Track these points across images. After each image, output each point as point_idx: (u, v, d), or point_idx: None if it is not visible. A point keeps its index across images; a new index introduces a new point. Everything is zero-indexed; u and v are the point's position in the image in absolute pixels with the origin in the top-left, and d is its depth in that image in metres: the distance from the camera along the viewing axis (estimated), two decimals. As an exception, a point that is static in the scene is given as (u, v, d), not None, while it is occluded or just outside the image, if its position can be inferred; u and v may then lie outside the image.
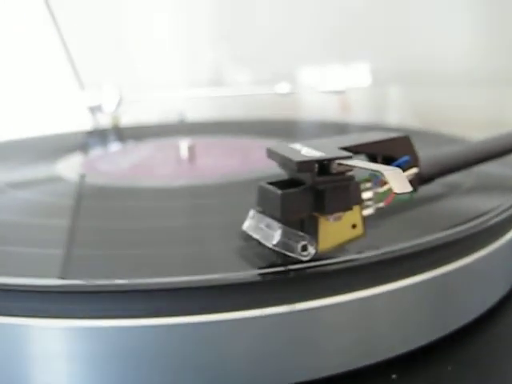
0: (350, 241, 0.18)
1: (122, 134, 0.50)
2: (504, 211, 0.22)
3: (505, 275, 0.23)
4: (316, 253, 0.17)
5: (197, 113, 0.58)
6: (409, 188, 0.15)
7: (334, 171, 0.17)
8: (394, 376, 0.19)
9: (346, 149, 0.18)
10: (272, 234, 0.17)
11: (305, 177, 0.17)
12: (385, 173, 0.15)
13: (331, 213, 0.17)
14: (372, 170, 0.16)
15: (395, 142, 0.20)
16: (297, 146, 0.18)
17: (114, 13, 0.59)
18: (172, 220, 0.24)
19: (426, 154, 0.22)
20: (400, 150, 0.20)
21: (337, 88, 0.49)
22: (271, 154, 0.18)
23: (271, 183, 0.18)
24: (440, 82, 0.52)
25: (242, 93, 0.54)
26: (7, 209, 0.27)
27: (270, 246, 0.17)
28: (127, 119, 0.53)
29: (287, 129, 0.48)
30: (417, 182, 0.21)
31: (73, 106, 0.54)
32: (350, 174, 0.17)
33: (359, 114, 0.55)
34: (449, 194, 0.26)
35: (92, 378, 0.16)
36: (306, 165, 0.16)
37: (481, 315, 0.21)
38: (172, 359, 0.16)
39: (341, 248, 0.18)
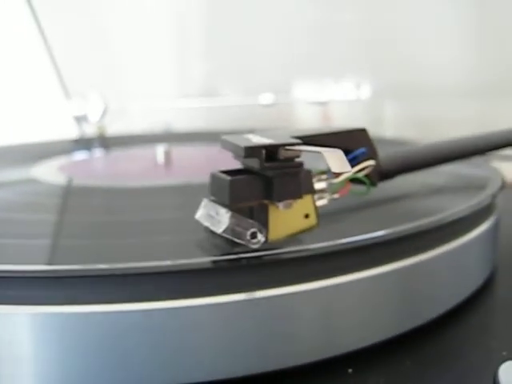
0: (304, 231, 0.18)
1: (107, 142, 0.50)
2: (473, 206, 0.22)
3: (469, 275, 0.23)
4: (266, 241, 0.17)
5: (186, 123, 0.59)
6: (347, 168, 0.15)
7: (281, 157, 0.17)
8: (349, 370, 0.18)
9: (300, 138, 0.18)
10: (221, 221, 0.17)
11: (255, 164, 0.17)
12: (324, 153, 0.15)
13: (280, 200, 0.17)
14: (313, 152, 0.16)
15: (352, 134, 0.20)
16: (250, 136, 0.18)
17: (104, 23, 0.59)
18: (136, 215, 0.24)
19: (386, 150, 0.22)
20: (357, 142, 0.20)
21: (319, 99, 0.49)
22: (225, 143, 0.18)
23: (224, 171, 0.18)
24: (433, 94, 0.53)
25: (227, 103, 0.54)
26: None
27: (219, 232, 0.17)
28: (116, 128, 0.53)
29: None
30: (376, 176, 0.21)
31: (59, 115, 0.55)
32: (298, 160, 0.17)
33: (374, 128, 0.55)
34: (419, 192, 0.26)
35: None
36: (252, 150, 0.16)
37: (441, 314, 0.21)
38: (131, 346, 0.16)
39: (299, 237, 0.18)
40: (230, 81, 0.62)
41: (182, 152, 0.38)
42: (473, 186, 0.27)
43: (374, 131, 0.21)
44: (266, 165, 0.17)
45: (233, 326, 0.17)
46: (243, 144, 0.17)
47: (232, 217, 0.17)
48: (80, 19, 0.57)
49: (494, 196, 0.25)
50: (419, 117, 0.54)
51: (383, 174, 0.22)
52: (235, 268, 0.17)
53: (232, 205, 0.17)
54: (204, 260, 0.17)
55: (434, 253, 0.20)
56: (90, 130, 0.53)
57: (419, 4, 0.52)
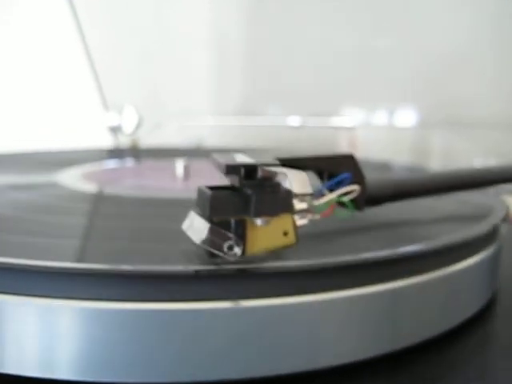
0: (281, 248, 0.19)
1: (138, 154, 0.52)
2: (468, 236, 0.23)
3: (463, 302, 0.23)
4: (243, 254, 0.18)
5: (218, 140, 0.60)
6: (309, 190, 0.16)
7: (260, 176, 0.18)
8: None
9: (285, 161, 0.19)
10: (201, 232, 0.18)
11: (236, 181, 0.18)
12: (288, 174, 0.16)
13: (258, 216, 0.18)
14: (283, 173, 0.17)
15: (338, 160, 0.21)
16: (239, 155, 0.20)
17: (147, 39, 0.62)
18: (143, 222, 0.26)
19: (376, 176, 0.23)
20: (344, 168, 0.21)
21: (346, 124, 0.50)
22: (213, 161, 0.20)
23: (209, 187, 0.19)
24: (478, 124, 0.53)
25: (259, 123, 0.56)
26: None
27: (198, 243, 0.18)
28: (149, 142, 0.55)
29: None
30: (362, 201, 0.22)
31: (97, 125, 0.57)
32: (276, 180, 0.18)
33: (398, 156, 0.55)
34: (419, 217, 0.27)
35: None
36: (232, 168, 0.18)
37: (427, 340, 0.22)
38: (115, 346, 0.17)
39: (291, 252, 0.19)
40: (266, 102, 0.63)
41: (202, 166, 0.40)
42: (476, 215, 0.27)
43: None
44: (244, 182, 0.18)
45: (217, 332, 0.18)
46: (225, 162, 0.18)
47: (211, 229, 0.18)
48: (123, 34, 0.59)
49: (495, 225, 0.25)
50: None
51: (371, 199, 0.22)
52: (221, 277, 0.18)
53: (212, 217, 0.18)
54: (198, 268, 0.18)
55: (424, 278, 0.21)
56: (124, 142, 0.55)
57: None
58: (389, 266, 0.20)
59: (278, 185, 0.18)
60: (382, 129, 0.57)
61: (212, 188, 0.19)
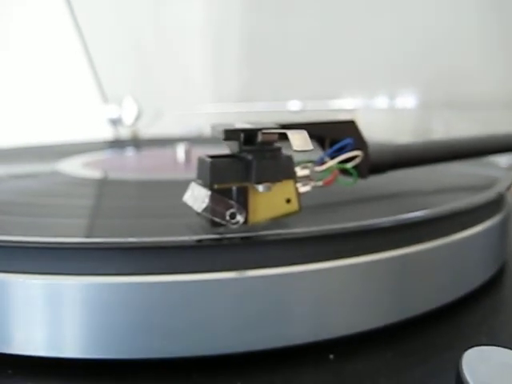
0: (285, 216, 0.19)
1: (138, 144, 0.52)
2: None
3: (470, 271, 0.23)
4: (246, 222, 0.18)
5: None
6: (309, 147, 0.15)
7: (260, 141, 0.17)
8: (331, 356, 0.19)
9: (285, 126, 0.19)
10: (202, 201, 0.18)
11: (236, 147, 0.18)
12: (288, 133, 0.16)
13: (259, 182, 0.18)
14: (282, 133, 0.16)
15: (340, 125, 0.21)
16: (238, 123, 0.19)
17: (142, 29, 0.62)
18: (146, 201, 0.25)
19: (378, 144, 0.22)
20: (346, 134, 0.21)
21: (346, 107, 0.49)
22: (213, 129, 0.19)
23: (210, 156, 0.19)
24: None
25: (258, 109, 0.55)
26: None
27: (199, 211, 0.18)
28: (150, 132, 0.55)
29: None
30: (365, 168, 0.21)
31: (97, 117, 0.57)
32: (277, 145, 0.18)
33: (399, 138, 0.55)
34: (425, 187, 0.26)
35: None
36: (231, 133, 0.17)
37: (434, 309, 0.21)
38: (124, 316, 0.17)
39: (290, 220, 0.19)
40: (266, 88, 0.63)
41: (203, 151, 0.40)
42: (482, 185, 0.27)
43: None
44: (244, 148, 0.17)
45: (222, 302, 0.17)
46: (224, 127, 0.18)
47: (212, 196, 0.18)
48: (120, 25, 0.59)
49: (501, 193, 0.25)
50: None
51: (374, 167, 0.22)
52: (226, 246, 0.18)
53: (212, 185, 0.18)
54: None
55: (431, 244, 0.21)
56: (124, 133, 0.55)
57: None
58: (395, 233, 0.20)
59: (279, 149, 0.18)
60: (382, 111, 0.57)
61: (212, 157, 0.19)
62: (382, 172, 0.23)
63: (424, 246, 0.20)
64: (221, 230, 0.18)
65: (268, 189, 0.18)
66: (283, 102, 0.51)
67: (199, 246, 0.18)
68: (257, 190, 0.18)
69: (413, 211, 0.20)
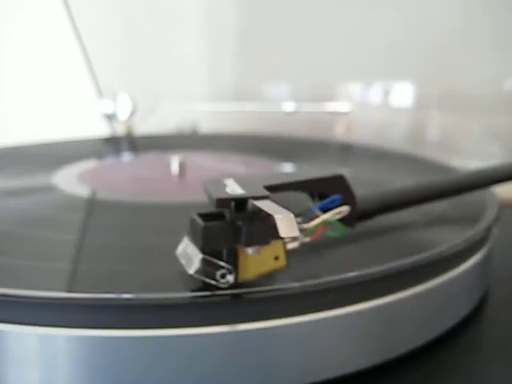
0: (272, 272, 0.20)
1: (133, 143, 0.52)
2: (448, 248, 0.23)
3: (451, 307, 0.24)
4: (235, 281, 0.19)
5: (213, 124, 0.60)
6: (296, 233, 0.16)
7: (249, 208, 0.18)
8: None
9: (275, 187, 0.20)
10: (193, 262, 0.19)
11: (227, 212, 0.19)
12: (275, 216, 0.16)
13: (249, 246, 0.18)
14: (269, 211, 0.17)
15: (329, 181, 0.21)
16: (228, 181, 0.20)
17: (137, 23, 0.61)
18: (136, 234, 0.26)
19: (364, 192, 0.23)
20: (335, 188, 0.21)
21: (340, 109, 0.50)
22: (204, 188, 0.20)
23: (201, 215, 0.19)
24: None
25: (249, 109, 0.56)
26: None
27: (190, 273, 0.19)
28: (144, 128, 0.55)
29: (291, 148, 0.49)
30: (353, 218, 0.22)
31: (92, 113, 0.57)
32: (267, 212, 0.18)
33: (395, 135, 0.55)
34: (403, 228, 0.27)
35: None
36: (222, 202, 0.18)
37: (424, 344, 0.22)
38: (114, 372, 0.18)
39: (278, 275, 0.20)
40: (261, 83, 0.63)
41: (197, 162, 0.40)
42: (468, 216, 0.28)
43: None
44: (236, 216, 0.18)
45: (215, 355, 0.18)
46: (215, 195, 0.18)
47: (203, 259, 0.18)
48: (114, 20, 0.59)
49: (487, 229, 0.26)
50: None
51: (362, 214, 0.23)
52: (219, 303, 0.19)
53: (204, 249, 0.19)
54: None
55: (410, 292, 0.22)
56: (119, 129, 0.55)
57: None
58: (378, 284, 0.21)
59: (268, 215, 0.18)
60: (377, 109, 0.57)
61: (204, 216, 0.19)
62: (369, 219, 0.23)
63: (403, 294, 0.21)
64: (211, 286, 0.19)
65: (257, 251, 0.19)
66: (278, 102, 0.51)
67: (191, 303, 0.19)
68: (246, 252, 0.19)
69: (394, 259, 0.21)
